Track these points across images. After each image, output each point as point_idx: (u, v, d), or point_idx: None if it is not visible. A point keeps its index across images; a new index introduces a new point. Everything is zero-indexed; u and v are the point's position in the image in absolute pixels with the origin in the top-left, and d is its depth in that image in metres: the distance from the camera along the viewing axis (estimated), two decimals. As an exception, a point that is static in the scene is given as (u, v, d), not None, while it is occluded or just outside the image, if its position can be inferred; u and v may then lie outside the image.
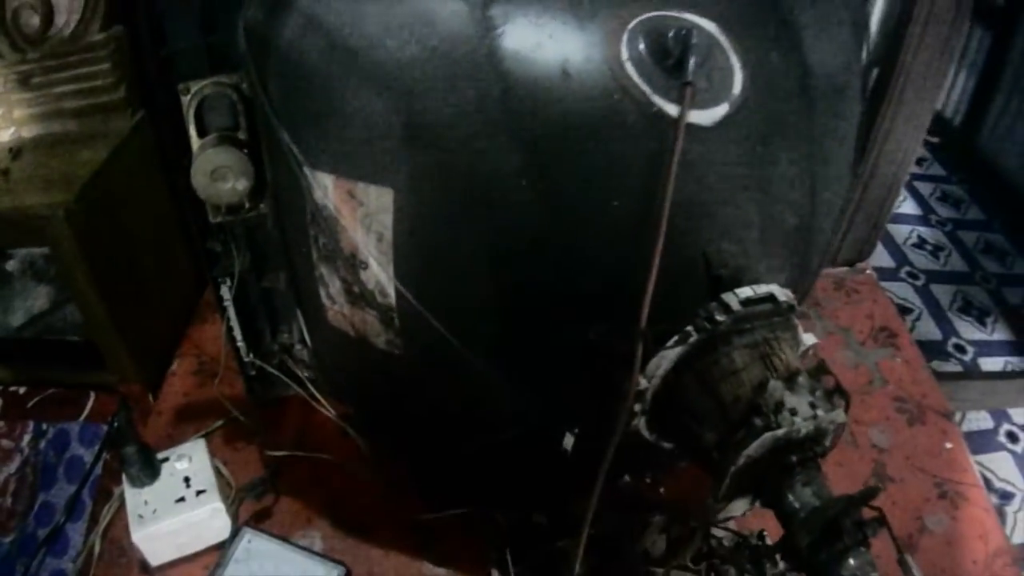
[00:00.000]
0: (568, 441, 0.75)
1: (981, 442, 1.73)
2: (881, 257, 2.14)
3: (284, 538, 0.90)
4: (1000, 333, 2.01)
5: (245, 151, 0.72)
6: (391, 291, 0.62)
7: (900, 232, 2.28)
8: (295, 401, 0.98)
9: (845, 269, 1.29)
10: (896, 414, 1.07)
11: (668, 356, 0.58)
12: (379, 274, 0.62)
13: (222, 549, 0.90)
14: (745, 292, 0.57)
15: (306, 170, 0.62)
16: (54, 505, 1.10)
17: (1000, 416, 1.81)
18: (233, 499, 0.92)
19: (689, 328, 0.57)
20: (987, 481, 1.64)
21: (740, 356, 0.57)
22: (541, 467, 0.80)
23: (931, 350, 1.90)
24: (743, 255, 0.61)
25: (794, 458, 0.55)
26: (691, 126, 0.58)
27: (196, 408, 1.09)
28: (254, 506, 0.95)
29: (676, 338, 0.57)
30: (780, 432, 0.53)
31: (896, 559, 0.55)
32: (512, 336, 0.63)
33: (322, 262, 0.67)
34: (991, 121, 2.46)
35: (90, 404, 1.14)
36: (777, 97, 0.64)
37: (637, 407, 0.60)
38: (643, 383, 0.59)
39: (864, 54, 0.73)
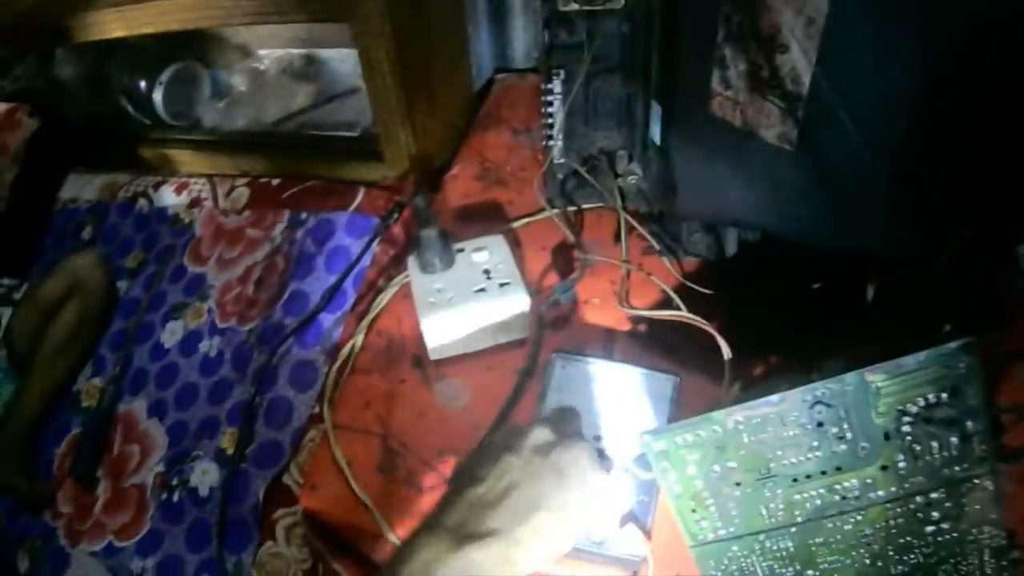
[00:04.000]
0: (870, 292, 0.83)
1: None
2: None
3: (593, 355, 0.94)
4: None
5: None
6: (806, 79, 0.69)
7: None
8: (594, 215, 1.06)
9: None
10: None
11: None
12: (798, 59, 0.68)
13: (528, 376, 0.94)
14: None
15: (740, -59, 0.69)
16: (308, 295, 1.17)
17: None
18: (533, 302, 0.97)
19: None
20: None
21: None
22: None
23: None
24: None
25: None
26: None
27: (480, 209, 1.17)
28: (550, 312, 1.00)
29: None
30: None
31: None
32: (913, 146, 0.69)
33: (728, 43, 0.73)
34: None
35: (360, 198, 1.22)
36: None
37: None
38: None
39: None
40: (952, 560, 0.69)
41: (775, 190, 0.79)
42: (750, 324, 0.89)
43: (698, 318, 0.86)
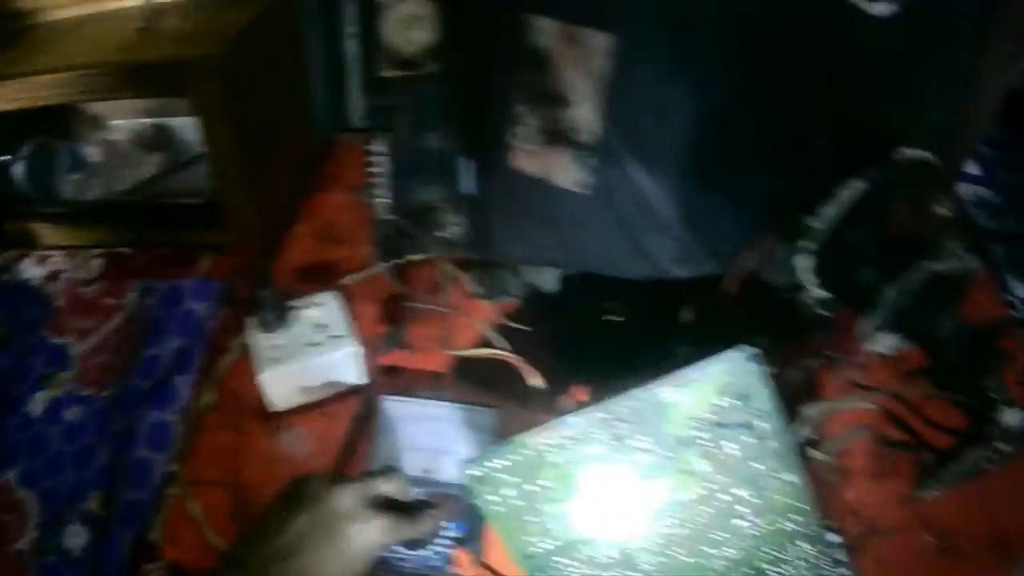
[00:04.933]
0: (686, 315, 0.89)
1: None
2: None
3: (420, 396, 1.00)
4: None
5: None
6: (597, 131, 0.76)
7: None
8: (421, 265, 1.10)
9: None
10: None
11: (840, 200, 0.70)
12: (588, 114, 0.75)
13: (364, 421, 0.99)
14: (906, 152, 0.70)
15: (529, 15, 0.76)
16: (161, 359, 1.18)
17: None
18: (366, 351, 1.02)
19: (860, 176, 0.70)
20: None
21: (902, 205, 0.70)
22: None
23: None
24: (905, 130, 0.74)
25: (943, 293, 0.68)
26: (867, 16, 0.71)
27: (318, 267, 1.21)
28: (382, 360, 1.06)
29: (848, 184, 0.71)
30: (935, 266, 0.66)
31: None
32: (696, 180, 0.76)
33: (522, 103, 0.80)
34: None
35: (206, 263, 1.25)
36: (932, 12, 0.76)
37: (811, 245, 0.73)
38: (817, 224, 0.72)
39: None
40: (766, 550, 0.74)
41: (578, 231, 0.85)
42: (568, 356, 0.95)
43: (512, 355, 0.94)
